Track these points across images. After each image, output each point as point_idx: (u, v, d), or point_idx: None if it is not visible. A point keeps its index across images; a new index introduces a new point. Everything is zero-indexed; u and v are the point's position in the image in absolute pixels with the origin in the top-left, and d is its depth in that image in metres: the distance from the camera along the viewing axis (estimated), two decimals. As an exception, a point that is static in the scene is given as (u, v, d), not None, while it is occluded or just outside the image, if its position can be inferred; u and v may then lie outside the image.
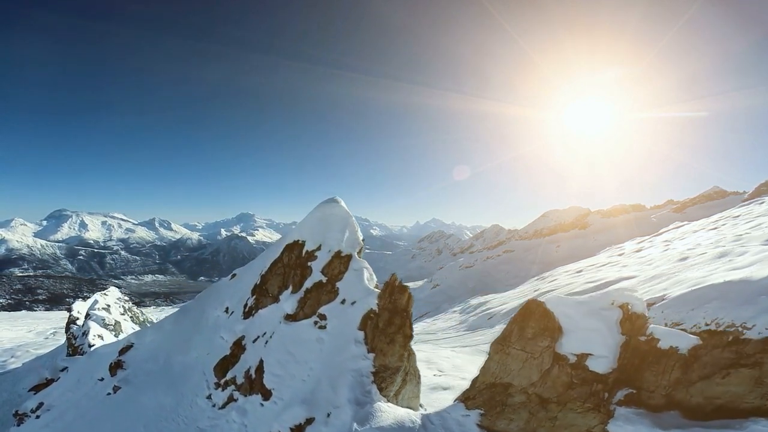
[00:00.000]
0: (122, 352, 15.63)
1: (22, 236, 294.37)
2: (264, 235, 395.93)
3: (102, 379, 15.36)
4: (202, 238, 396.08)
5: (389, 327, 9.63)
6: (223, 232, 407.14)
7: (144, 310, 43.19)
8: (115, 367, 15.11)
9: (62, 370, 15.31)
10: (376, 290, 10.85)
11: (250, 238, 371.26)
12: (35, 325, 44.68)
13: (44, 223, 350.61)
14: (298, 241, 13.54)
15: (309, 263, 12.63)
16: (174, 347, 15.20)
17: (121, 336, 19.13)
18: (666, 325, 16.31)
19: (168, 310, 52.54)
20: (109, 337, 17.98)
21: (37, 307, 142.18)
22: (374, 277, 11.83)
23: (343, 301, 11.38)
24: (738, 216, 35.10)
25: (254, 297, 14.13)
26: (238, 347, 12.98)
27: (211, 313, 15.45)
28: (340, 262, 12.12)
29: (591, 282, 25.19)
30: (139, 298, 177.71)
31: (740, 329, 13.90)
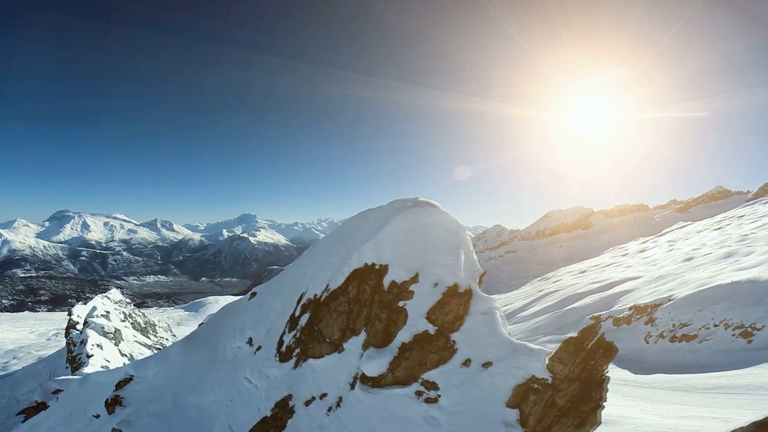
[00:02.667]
0: (120, 385, 13.56)
1: (25, 237, 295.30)
2: (266, 236, 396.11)
3: (98, 416, 13.46)
4: (204, 238, 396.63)
5: (581, 405, 6.16)
6: (225, 233, 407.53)
7: (146, 311, 43.17)
8: (113, 403, 13.12)
9: (54, 393, 13.81)
10: (541, 349, 7.18)
11: (252, 239, 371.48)
12: (37, 326, 44.65)
13: (47, 224, 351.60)
14: (375, 265, 8.96)
15: (401, 303, 8.30)
16: (184, 384, 12.67)
17: (122, 345, 17.99)
18: (673, 326, 16.17)
19: (170, 311, 52.51)
20: (109, 346, 16.92)
21: (40, 308, 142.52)
22: (506, 321, 8.28)
23: (466, 362, 7.55)
24: (743, 216, 34.83)
25: (294, 334, 10.42)
26: (284, 410, 9.69)
27: (228, 343, 12.58)
28: (459, 303, 8.01)
29: (595, 282, 25.00)
30: (141, 298, 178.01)
31: (750, 330, 13.76)
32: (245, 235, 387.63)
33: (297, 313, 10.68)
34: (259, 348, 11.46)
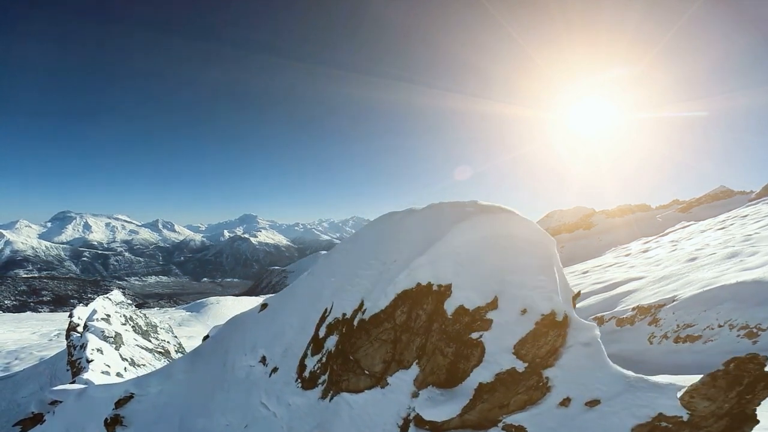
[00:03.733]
0: (120, 403, 12.69)
1: (27, 238, 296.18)
2: (267, 237, 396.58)
3: (97, 437, 12.28)
4: (205, 239, 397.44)
5: None
6: (226, 234, 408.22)
7: (147, 311, 43.20)
8: (113, 423, 12.20)
9: (51, 404, 13.11)
10: (670, 383, 5.74)
11: (253, 240, 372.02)
12: (39, 326, 44.71)
13: (49, 224, 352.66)
14: (432, 286, 7.21)
15: (475, 334, 6.61)
16: (191, 405, 11.60)
17: (123, 349, 17.62)
18: (678, 326, 16.07)
19: (171, 312, 52.53)
20: (109, 350, 16.62)
21: (42, 308, 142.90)
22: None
23: (565, 402, 6.09)
24: (746, 216, 34.68)
25: (319, 359, 8.96)
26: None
27: (238, 360, 11.42)
28: (557, 333, 6.43)
29: (599, 283, 24.90)
30: (143, 299, 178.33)
31: (755, 330, 13.65)
32: (246, 235, 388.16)
33: (321, 334, 9.16)
34: (275, 369, 10.10)
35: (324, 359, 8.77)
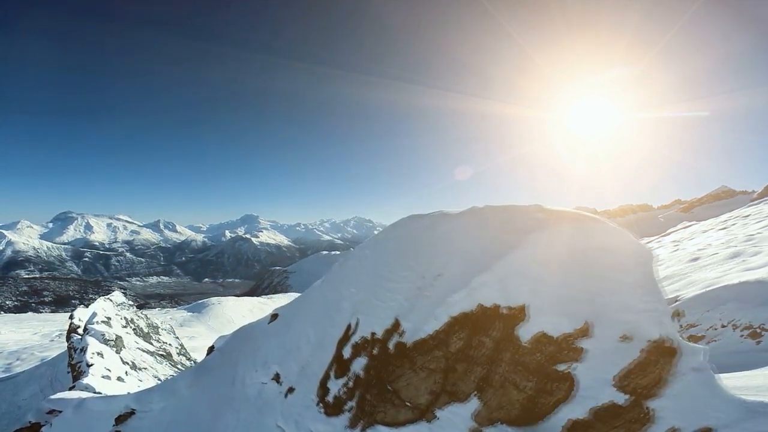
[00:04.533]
0: (120, 420, 12.12)
1: (29, 238, 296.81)
2: (268, 237, 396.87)
3: (96, 455, 11.43)
4: (206, 239, 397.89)
5: None
6: (228, 234, 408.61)
7: (148, 312, 43.24)
8: None
9: (49, 413, 12.69)
10: None
11: (254, 240, 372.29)
12: (41, 327, 44.80)
13: (50, 225, 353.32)
14: (500, 308, 6.12)
15: (562, 366, 5.47)
16: (197, 424, 10.80)
17: (124, 352, 17.43)
18: (681, 326, 16.01)
19: (172, 312, 52.58)
20: (110, 353, 16.38)
21: (43, 308, 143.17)
22: None
23: None
24: (748, 215, 34.59)
25: (345, 382, 7.99)
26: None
27: (248, 376, 10.66)
28: (666, 361, 5.39)
29: (600, 283, 24.86)
30: (144, 299, 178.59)
31: (759, 330, 13.60)
32: (248, 235, 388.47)
33: (346, 355, 8.12)
34: (291, 390, 9.15)
35: (351, 383, 7.70)
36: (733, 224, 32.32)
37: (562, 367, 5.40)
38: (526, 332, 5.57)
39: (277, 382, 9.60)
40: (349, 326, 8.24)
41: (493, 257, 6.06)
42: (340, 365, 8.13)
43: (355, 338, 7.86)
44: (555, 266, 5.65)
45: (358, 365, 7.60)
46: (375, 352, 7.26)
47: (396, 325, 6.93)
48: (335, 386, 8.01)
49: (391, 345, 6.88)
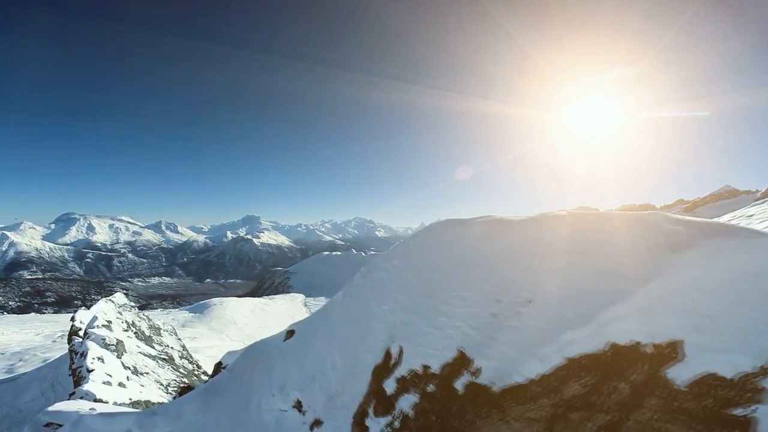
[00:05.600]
0: None
1: (31, 239, 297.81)
2: (269, 238, 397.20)
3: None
4: (208, 240, 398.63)
5: None
6: (229, 235, 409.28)
7: (150, 313, 43.28)
8: None
9: (47, 426, 12.05)
10: None
11: (255, 241, 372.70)
12: (43, 328, 44.87)
13: (52, 226, 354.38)
14: (641, 345, 4.30)
15: (738, 409, 3.65)
16: None
17: (125, 357, 17.07)
18: None
19: (174, 313, 52.61)
20: (111, 358, 16.01)
21: (46, 309, 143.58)
22: None
23: None
24: (752, 215, 34.32)
25: (389, 422, 6.60)
26: None
27: (263, 401, 9.55)
28: None
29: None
30: (146, 300, 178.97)
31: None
32: (249, 236, 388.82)
33: (389, 390, 6.76)
34: (318, 422, 7.83)
35: (397, 424, 6.31)
36: (737, 224, 32.12)
37: (739, 411, 4.13)
38: (681, 373, 4.23)
39: (299, 410, 8.30)
40: (388, 354, 6.76)
41: (627, 282, 4.63)
42: (380, 401, 6.67)
43: (401, 371, 6.33)
44: (721, 294, 4.32)
45: (406, 403, 6.20)
46: (430, 389, 5.83)
47: (462, 360, 5.45)
48: (376, 426, 6.52)
49: (458, 385, 5.36)
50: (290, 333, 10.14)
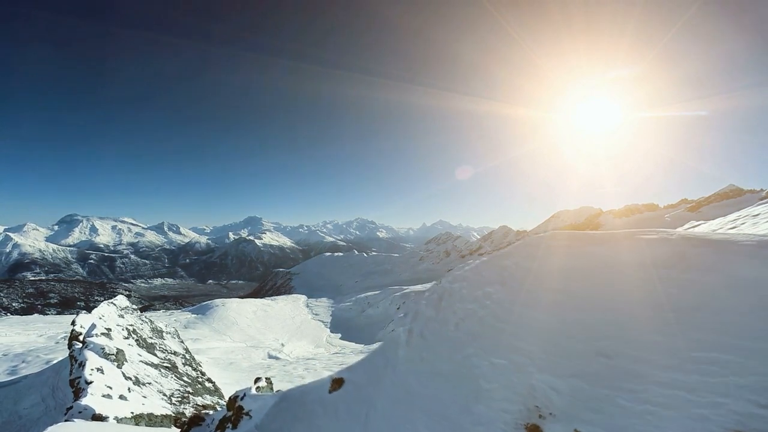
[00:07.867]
0: None
1: (35, 241, 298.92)
2: (271, 239, 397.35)
3: None
4: (210, 241, 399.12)
5: None
6: (231, 236, 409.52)
7: (153, 314, 43.20)
8: None
9: None
10: None
11: (258, 242, 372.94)
12: (46, 329, 44.82)
13: (56, 227, 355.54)
14: None
15: None
16: None
17: (126, 367, 16.13)
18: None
19: (177, 314, 52.55)
20: (110, 368, 14.91)
21: (49, 310, 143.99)
22: None
23: None
24: (758, 215, 33.99)
25: None
26: None
27: None
28: None
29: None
30: (149, 301, 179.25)
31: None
32: (251, 237, 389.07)
33: None
34: None
35: None
36: (743, 223, 31.80)
37: None
38: None
39: None
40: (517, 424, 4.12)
41: None
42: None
43: None
44: None
45: None
46: None
47: None
48: None
49: None
50: (337, 382, 7.45)
